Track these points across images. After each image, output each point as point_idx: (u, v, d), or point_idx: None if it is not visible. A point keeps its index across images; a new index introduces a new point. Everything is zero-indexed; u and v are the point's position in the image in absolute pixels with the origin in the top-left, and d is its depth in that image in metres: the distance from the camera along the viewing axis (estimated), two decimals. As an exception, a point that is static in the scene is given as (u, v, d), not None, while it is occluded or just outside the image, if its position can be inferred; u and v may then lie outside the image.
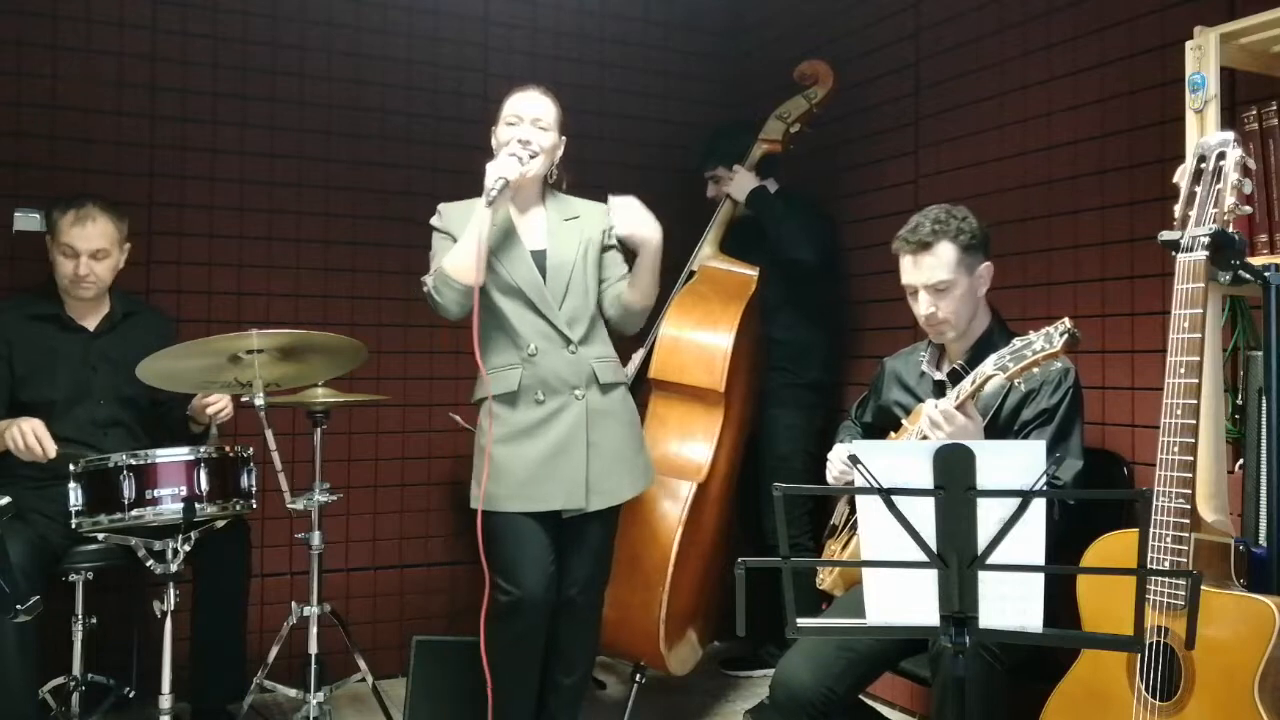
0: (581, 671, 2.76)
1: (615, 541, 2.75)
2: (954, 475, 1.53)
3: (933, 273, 2.38)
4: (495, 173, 2.50)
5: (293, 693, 2.95)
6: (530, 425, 2.58)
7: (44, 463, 2.66)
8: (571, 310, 2.63)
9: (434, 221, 2.71)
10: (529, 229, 2.67)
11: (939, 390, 2.42)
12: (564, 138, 2.68)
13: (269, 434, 2.66)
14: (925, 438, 2.31)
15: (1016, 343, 2.11)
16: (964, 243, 2.38)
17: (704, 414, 3.18)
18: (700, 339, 3.19)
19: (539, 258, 2.63)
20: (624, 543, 3.04)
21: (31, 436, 2.63)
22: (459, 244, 2.56)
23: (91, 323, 2.99)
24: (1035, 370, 2.10)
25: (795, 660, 2.30)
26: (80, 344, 2.95)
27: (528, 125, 2.59)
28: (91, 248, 2.87)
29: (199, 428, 2.97)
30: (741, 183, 3.49)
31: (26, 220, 3.14)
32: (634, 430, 2.74)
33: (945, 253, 2.37)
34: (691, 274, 3.46)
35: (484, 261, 2.51)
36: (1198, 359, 1.88)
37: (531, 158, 2.56)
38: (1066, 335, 2.02)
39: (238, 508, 2.73)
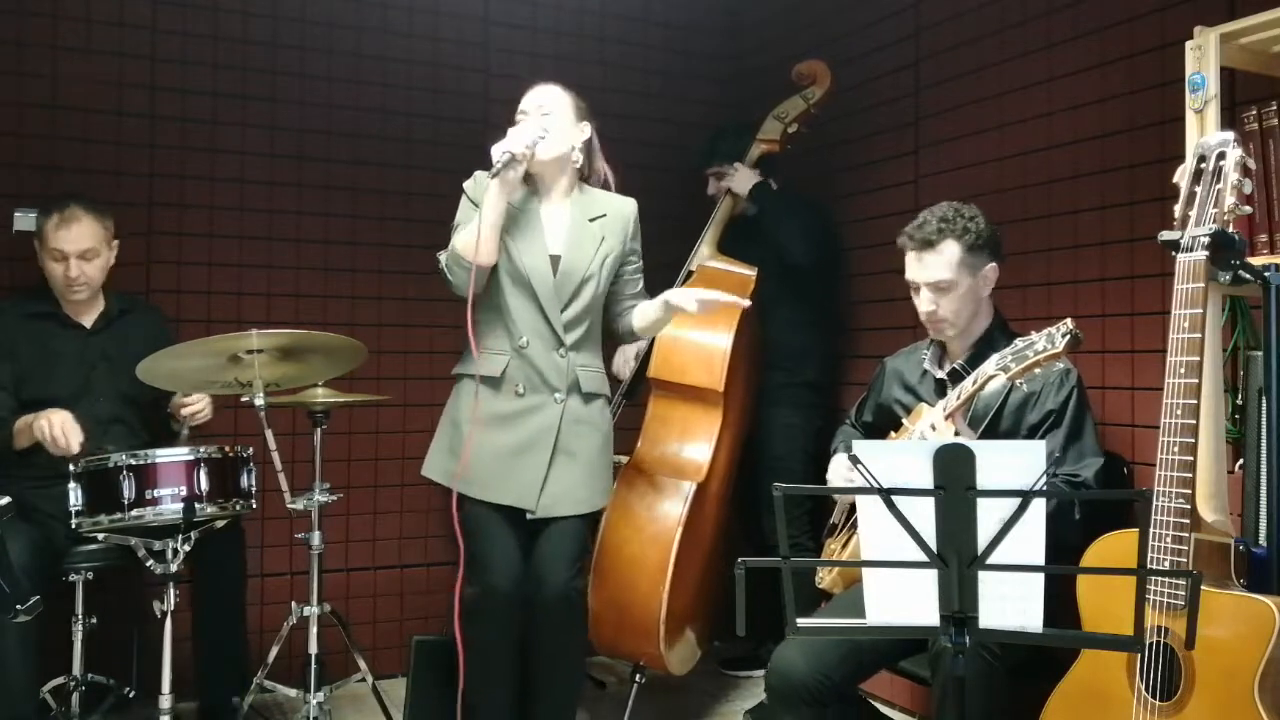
0: (566, 678, 2.70)
1: (589, 544, 2.74)
2: (954, 475, 1.53)
3: (934, 271, 2.38)
4: (500, 147, 2.50)
5: (293, 693, 2.94)
6: (504, 415, 2.57)
7: (55, 459, 2.67)
8: (572, 316, 2.63)
9: (466, 187, 2.68)
10: (551, 226, 2.65)
11: (940, 389, 2.42)
12: (585, 123, 2.68)
13: (269, 434, 2.66)
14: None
15: (1019, 343, 2.11)
16: (969, 243, 2.38)
17: (703, 414, 3.18)
18: (700, 339, 3.19)
19: (553, 260, 2.62)
20: (624, 543, 3.05)
21: (59, 429, 2.65)
22: (472, 225, 2.53)
23: (88, 320, 2.99)
24: (1037, 371, 2.10)
25: (790, 649, 2.29)
26: (78, 342, 2.96)
27: (533, 115, 2.60)
28: (79, 249, 2.87)
29: (178, 426, 2.97)
30: (743, 178, 3.48)
31: (26, 220, 3.14)
32: (607, 445, 2.72)
33: (949, 251, 2.37)
34: (689, 274, 3.46)
35: (494, 242, 2.51)
36: (1198, 359, 1.88)
37: (540, 138, 2.56)
38: (1069, 336, 2.01)
39: (238, 508, 2.73)
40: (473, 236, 2.49)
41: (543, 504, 2.57)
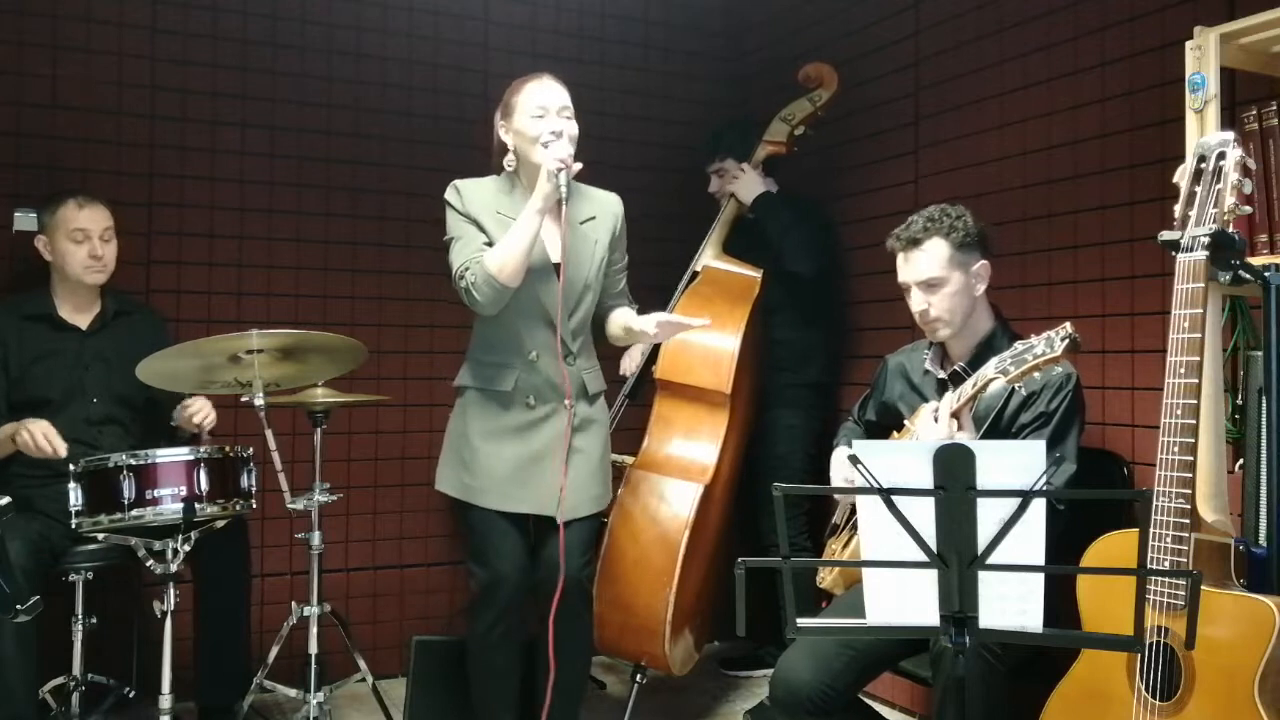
0: (575, 667, 2.71)
1: (595, 539, 2.75)
2: (954, 475, 1.53)
3: (921, 269, 2.39)
4: (555, 163, 2.44)
5: (293, 693, 2.94)
6: (517, 427, 2.58)
7: (53, 460, 2.67)
8: (576, 324, 2.63)
9: (451, 199, 2.62)
10: (547, 231, 2.59)
11: (941, 389, 2.42)
12: None
13: (269, 434, 2.66)
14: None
15: (1018, 346, 2.11)
16: (957, 240, 2.38)
17: (709, 415, 3.18)
18: (707, 341, 3.18)
19: (556, 269, 2.58)
20: (630, 544, 3.05)
21: (42, 438, 2.66)
22: (508, 243, 2.48)
23: (84, 321, 2.99)
24: (1036, 374, 2.10)
25: (795, 657, 2.30)
26: (74, 343, 2.96)
27: (554, 115, 2.53)
28: (102, 227, 2.94)
29: (185, 435, 2.97)
30: (749, 185, 3.46)
31: (26, 220, 3.14)
32: (608, 437, 2.75)
33: (936, 249, 2.38)
34: (695, 275, 3.45)
35: (527, 260, 2.50)
36: (1198, 359, 1.88)
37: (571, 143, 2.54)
38: (1068, 340, 2.01)
39: (238, 508, 2.72)
40: (515, 261, 2.46)
41: (565, 508, 2.57)
